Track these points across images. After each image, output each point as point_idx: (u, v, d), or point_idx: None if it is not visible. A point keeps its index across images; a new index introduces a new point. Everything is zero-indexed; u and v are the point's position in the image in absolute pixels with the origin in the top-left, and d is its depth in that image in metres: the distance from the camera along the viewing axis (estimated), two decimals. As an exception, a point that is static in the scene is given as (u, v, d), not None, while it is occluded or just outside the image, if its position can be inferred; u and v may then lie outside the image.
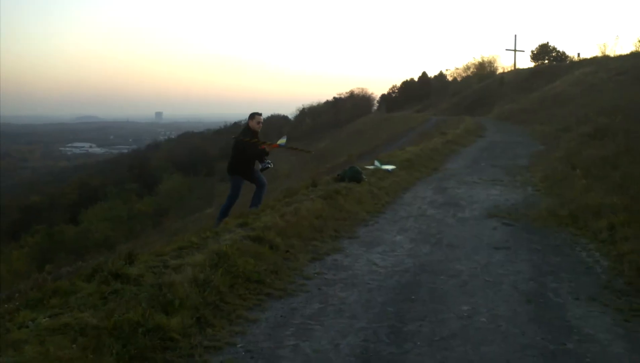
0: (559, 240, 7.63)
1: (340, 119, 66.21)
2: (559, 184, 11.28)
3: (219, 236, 6.84)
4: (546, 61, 58.17)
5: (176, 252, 6.19)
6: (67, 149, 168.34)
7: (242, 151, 9.48)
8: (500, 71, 61.15)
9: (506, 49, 60.26)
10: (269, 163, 9.46)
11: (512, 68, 56.35)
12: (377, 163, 13.60)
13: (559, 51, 59.65)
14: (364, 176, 11.29)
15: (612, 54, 46.85)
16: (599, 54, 48.42)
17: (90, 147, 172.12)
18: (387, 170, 12.88)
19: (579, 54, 54.10)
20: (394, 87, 74.50)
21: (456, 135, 22.18)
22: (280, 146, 10.27)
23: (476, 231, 8.15)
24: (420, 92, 66.95)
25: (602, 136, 15.67)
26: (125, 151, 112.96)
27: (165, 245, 6.83)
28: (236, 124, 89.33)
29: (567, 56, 57.43)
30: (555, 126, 22.75)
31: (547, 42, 60.33)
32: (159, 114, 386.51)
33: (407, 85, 72.89)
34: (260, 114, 9.65)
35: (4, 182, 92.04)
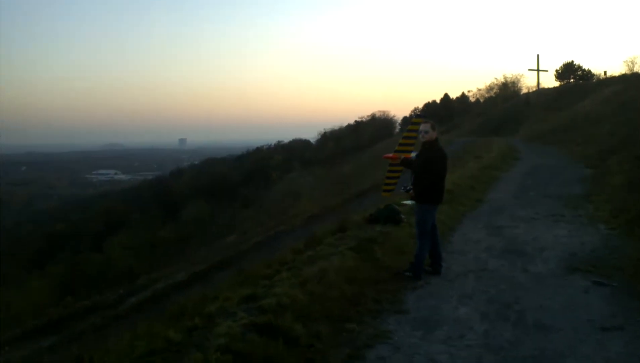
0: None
1: (362, 143, 65.60)
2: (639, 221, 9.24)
3: (213, 323, 4.98)
4: (572, 80, 57.05)
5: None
6: (93, 176, 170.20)
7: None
8: (524, 91, 60.07)
9: (529, 69, 59.25)
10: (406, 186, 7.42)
11: (536, 88, 55.29)
12: None
13: (584, 69, 58.56)
14: (403, 216, 9.45)
15: (640, 71, 45.80)
16: (627, 71, 47.34)
17: (116, 174, 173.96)
18: None
19: (605, 72, 52.99)
20: (415, 109, 73.93)
21: (492, 159, 20.84)
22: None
23: (564, 297, 6.19)
24: (443, 114, 66.12)
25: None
26: (150, 177, 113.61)
27: (132, 343, 5.11)
28: (258, 149, 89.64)
29: (593, 74, 56.31)
30: (596, 147, 21.60)
31: (572, 61, 59.30)
32: (182, 140, 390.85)
33: (429, 107, 72.24)
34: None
35: (30, 210, 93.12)
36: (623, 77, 42.40)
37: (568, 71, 59.07)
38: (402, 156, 7.93)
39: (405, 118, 73.58)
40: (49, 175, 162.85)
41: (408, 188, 7.27)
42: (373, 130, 69.88)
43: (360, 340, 5.02)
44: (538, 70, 52.91)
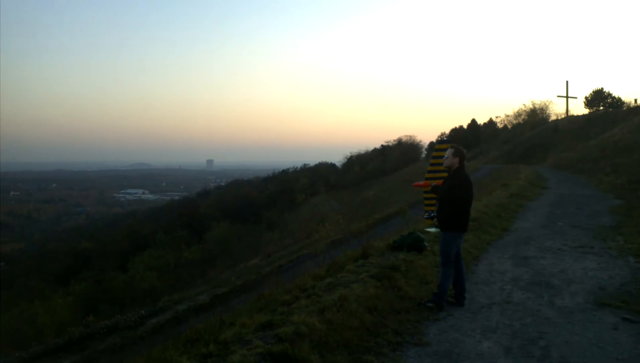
0: None
1: (388, 167, 65.46)
2: (671, 256, 9.03)
3: (228, 350, 4.81)
4: (601, 108, 56.31)
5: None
6: (121, 195, 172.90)
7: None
8: (553, 117, 59.47)
9: (558, 96, 58.78)
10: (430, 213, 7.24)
11: (565, 115, 54.65)
12: None
13: (614, 97, 57.78)
14: (427, 244, 9.21)
15: (672, 99, 45.10)
16: (659, 100, 46.60)
17: (143, 193, 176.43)
18: None
19: (636, 100, 52.18)
20: (442, 134, 73.66)
21: (519, 187, 20.46)
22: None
23: (592, 333, 5.92)
24: (469, 140, 65.70)
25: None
26: (177, 197, 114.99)
27: None
28: (284, 172, 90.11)
29: (624, 102, 55.50)
30: (626, 177, 21.17)
31: (602, 88, 58.59)
32: (210, 161, 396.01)
33: (456, 132, 71.89)
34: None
35: (58, 226, 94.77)
36: (655, 106, 41.74)
37: (598, 98, 58.39)
38: (434, 183, 7.77)
39: (431, 143, 73.33)
40: (77, 193, 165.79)
41: (432, 214, 7.07)
42: (399, 155, 69.70)
43: (379, 373, 4.77)
44: (567, 97, 52.38)
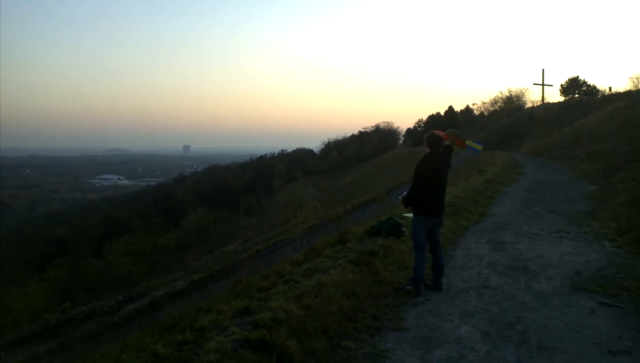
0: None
1: (366, 154, 65.58)
2: (645, 240, 9.08)
3: (204, 337, 4.70)
4: (577, 95, 56.97)
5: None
6: (96, 181, 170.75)
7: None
8: (529, 105, 60.04)
9: (534, 83, 59.27)
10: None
11: (541, 102, 55.21)
12: None
13: (589, 85, 58.45)
14: (405, 229, 9.16)
15: (645, 87, 45.73)
16: (632, 88, 47.25)
17: (119, 179, 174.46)
18: None
19: (610, 88, 52.88)
20: (419, 121, 73.85)
21: (496, 173, 20.60)
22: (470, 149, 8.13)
23: (569, 317, 5.95)
24: (446, 127, 65.98)
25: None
26: (153, 183, 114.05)
27: (119, 356, 4.87)
28: (262, 158, 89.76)
29: (598, 90, 56.22)
30: (600, 163, 21.49)
31: (577, 76, 59.25)
32: (186, 147, 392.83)
33: (433, 119, 72.09)
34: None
35: (33, 213, 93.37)
36: (628, 94, 42.25)
37: (573, 86, 59.02)
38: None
39: (409, 130, 73.51)
40: (52, 178, 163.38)
41: (403, 194, 7.05)
42: (377, 141, 69.82)
43: (357, 358, 4.80)
44: (543, 84, 52.97)
